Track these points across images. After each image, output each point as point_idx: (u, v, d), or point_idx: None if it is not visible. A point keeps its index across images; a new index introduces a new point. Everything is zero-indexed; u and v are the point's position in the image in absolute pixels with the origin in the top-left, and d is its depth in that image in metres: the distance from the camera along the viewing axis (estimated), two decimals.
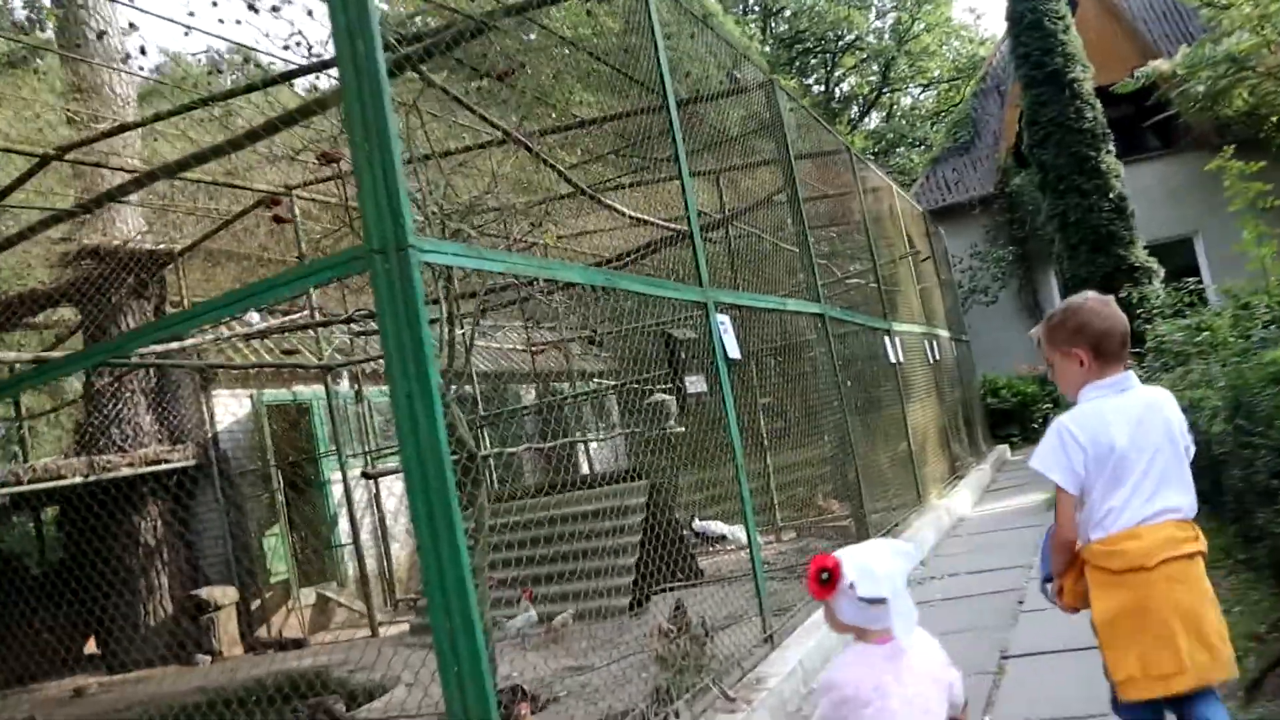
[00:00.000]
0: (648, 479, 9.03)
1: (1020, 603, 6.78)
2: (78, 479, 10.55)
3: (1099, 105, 17.39)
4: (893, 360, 10.71)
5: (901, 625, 2.38)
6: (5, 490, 10.30)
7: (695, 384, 5.39)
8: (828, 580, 2.39)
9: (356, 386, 13.22)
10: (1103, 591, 2.93)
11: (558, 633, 7.63)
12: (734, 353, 5.92)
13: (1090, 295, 3.07)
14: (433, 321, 3.44)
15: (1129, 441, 2.89)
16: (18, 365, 11.17)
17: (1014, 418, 18.79)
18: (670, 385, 10.99)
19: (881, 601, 2.35)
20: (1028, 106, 17.96)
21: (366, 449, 12.63)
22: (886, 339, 10.62)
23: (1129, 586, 2.87)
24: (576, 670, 6.59)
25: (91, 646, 12.12)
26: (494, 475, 13.06)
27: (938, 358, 13.62)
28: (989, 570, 8.03)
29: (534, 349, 13.93)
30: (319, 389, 12.05)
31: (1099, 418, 2.92)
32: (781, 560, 9.08)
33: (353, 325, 11.23)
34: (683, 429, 11.09)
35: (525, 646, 7.59)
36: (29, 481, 10.19)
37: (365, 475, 10.57)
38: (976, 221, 21.77)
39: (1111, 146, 17.34)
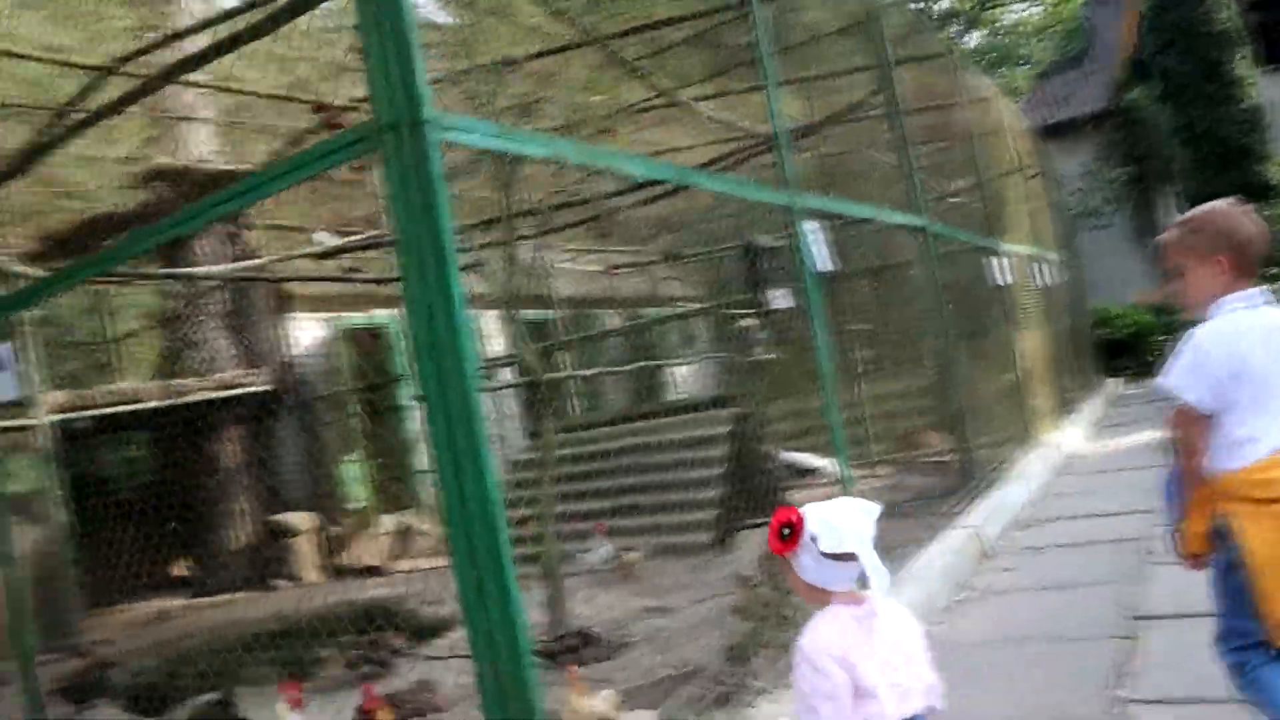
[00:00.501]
0: (734, 406, 8.49)
1: (1149, 553, 6.09)
2: (155, 403, 10.45)
3: (1234, 6, 15.92)
4: (999, 283, 9.91)
5: (873, 580, 2.23)
6: (86, 412, 10.24)
7: (778, 299, 4.79)
8: (789, 534, 2.28)
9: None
10: (1253, 523, 2.73)
11: (628, 569, 7.20)
12: (824, 264, 5.30)
13: (1231, 200, 2.91)
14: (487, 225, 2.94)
15: (1271, 360, 2.73)
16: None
17: (1127, 349, 17.67)
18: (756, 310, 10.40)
19: (847, 558, 2.23)
20: (1150, 9, 16.57)
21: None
22: (993, 260, 9.81)
23: None
24: (653, 612, 6.15)
25: (180, 569, 12.21)
26: (575, 404, 12.68)
27: (1046, 283, 12.70)
28: (1109, 514, 7.32)
29: (615, 269, 13.39)
30: (397, 313, 11.75)
31: (1237, 333, 2.75)
32: (877, 497, 8.44)
33: None
34: (771, 355, 10.52)
35: (602, 583, 7.19)
36: (107, 405, 10.12)
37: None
38: (1088, 140, 20.43)
39: (1247, 52, 15.90)
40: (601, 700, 3.65)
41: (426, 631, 7.03)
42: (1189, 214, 2.94)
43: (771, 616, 4.33)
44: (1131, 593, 5.33)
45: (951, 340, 8.02)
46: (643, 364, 7.77)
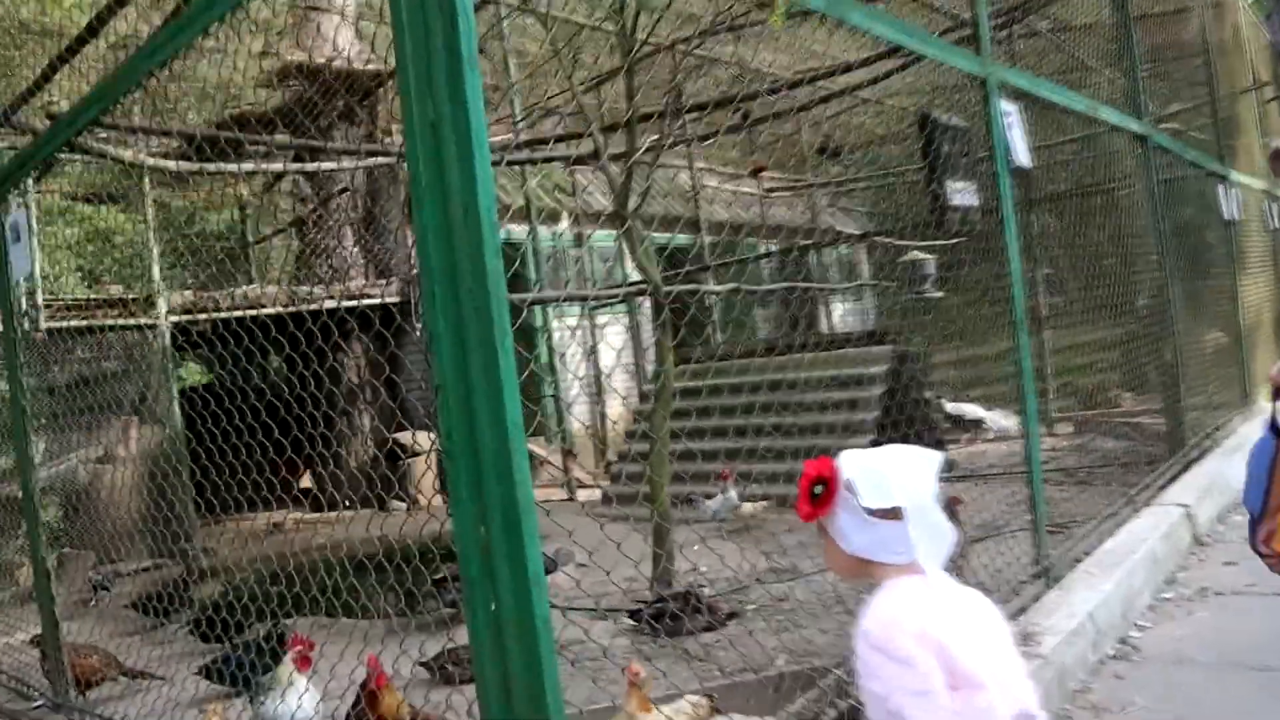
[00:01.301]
0: (894, 344, 7.32)
1: None
2: (277, 309, 10.00)
3: None
4: (1227, 218, 8.32)
5: (926, 549, 1.74)
6: (209, 315, 9.89)
7: (962, 194, 3.65)
8: (823, 492, 1.79)
9: (577, 229, 12.05)
10: None
11: (748, 521, 6.21)
12: (1022, 158, 4.11)
13: None
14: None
15: None
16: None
17: None
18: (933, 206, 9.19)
19: (894, 514, 1.74)
20: None
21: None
22: (1221, 189, 8.22)
23: None
24: (777, 575, 5.15)
25: (306, 482, 11.95)
26: (717, 335, 11.70)
27: (1278, 225, 10.87)
28: None
29: (769, 193, 12.27)
30: (537, 229, 10.99)
31: None
32: (1054, 460, 7.11)
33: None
34: (941, 294, 9.31)
35: (723, 534, 6.22)
36: (230, 310, 9.73)
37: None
38: None
39: None
40: (678, 714, 2.66)
41: (547, 568, 6.24)
42: None
43: None
44: None
45: (1169, 281, 6.62)
46: (789, 285, 6.70)
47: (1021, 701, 1.71)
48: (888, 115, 11.51)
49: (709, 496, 6.45)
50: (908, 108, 10.44)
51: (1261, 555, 2.29)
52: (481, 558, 1.77)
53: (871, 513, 1.75)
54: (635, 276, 11.09)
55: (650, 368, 10.64)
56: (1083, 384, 9.68)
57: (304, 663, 3.05)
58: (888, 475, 1.76)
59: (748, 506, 6.23)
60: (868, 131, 11.19)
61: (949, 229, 3.64)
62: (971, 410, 9.26)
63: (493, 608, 1.76)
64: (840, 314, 13.52)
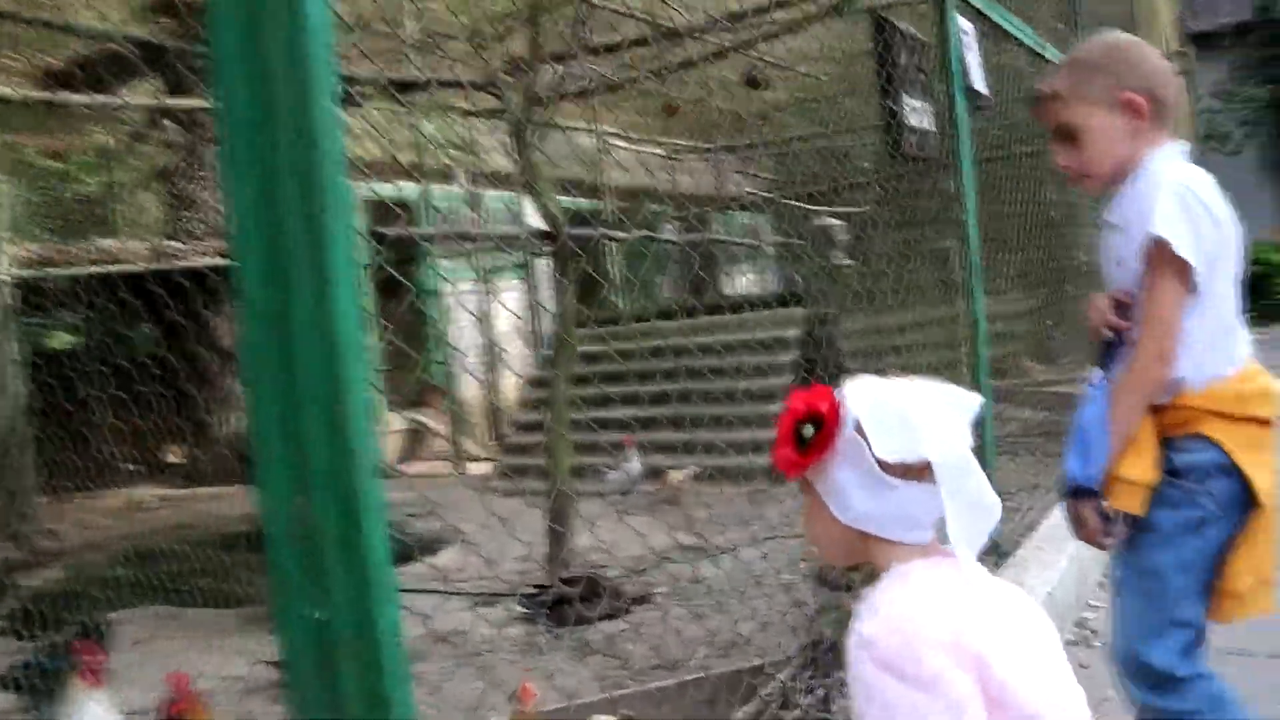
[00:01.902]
0: (808, 307, 6.86)
1: None
2: (142, 265, 9.10)
3: None
4: None
5: (961, 526, 1.17)
6: (61, 270, 8.95)
7: (918, 114, 3.15)
8: (815, 434, 1.20)
9: (471, 188, 11.34)
10: (1260, 455, 1.93)
11: (674, 492, 5.68)
12: (977, 82, 3.62)
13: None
14: None
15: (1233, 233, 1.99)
16: None
17: (1250, 289, 15.66)
18: (836, 210, 8.80)
19: (919, 472, 1.17)
20: None
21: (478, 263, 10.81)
22: None
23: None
24: (692, 552, 4.62)
25: (174, 455, 11.08)
26: (621, 298, 11.17)
27: None
28: None
29: (675, 157, 11.75)
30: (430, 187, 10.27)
31: (1209, 188, 1.98)
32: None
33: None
34: (850, 262, 8.95)
35: (626, 508, 5.66)
36: (86, 264, 8.82)
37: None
38: (1225, 55, 18.16)
39: None
40: None
41: (405, 553, 5.60)
42: (1076, 50, 2.20)
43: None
44: None
45: (1076, 249, 6.37)
46: (697, 237, 6.13)
47: None
48: (808, 82, 11.08)
49: (611, 468, 5.90)
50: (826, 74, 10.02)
51: (1108, 520, 1.96)
52: (298, 542, 1.15)
53: (888, 468, 1.20)
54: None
55: (550, 335, 10.06)
56: (993, 354, 9.41)
57: (91, 677, 2.36)
58: (913, 417, 1.20)
59: (676, 474, 5.70)
60: (794, 80, 10.70)
61: (905, 152, 3.13)
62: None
63: (316, 616, 1.15)
64: (744, 283, 13.13)
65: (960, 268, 3.73)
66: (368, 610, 1.10)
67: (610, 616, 3.74)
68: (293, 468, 1.09)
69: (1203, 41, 18.00)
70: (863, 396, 1.23)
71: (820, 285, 8.29)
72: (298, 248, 1.07)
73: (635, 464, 5.74)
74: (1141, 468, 1.93)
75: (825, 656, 2.30)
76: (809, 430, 1.21)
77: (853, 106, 8.52)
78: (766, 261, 12.67)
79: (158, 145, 11.21)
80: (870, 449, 1.19)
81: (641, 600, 3.85)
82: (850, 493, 1.22)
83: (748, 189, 12.09)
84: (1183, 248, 1.88)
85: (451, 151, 11.42)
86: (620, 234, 4.48)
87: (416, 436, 10.46)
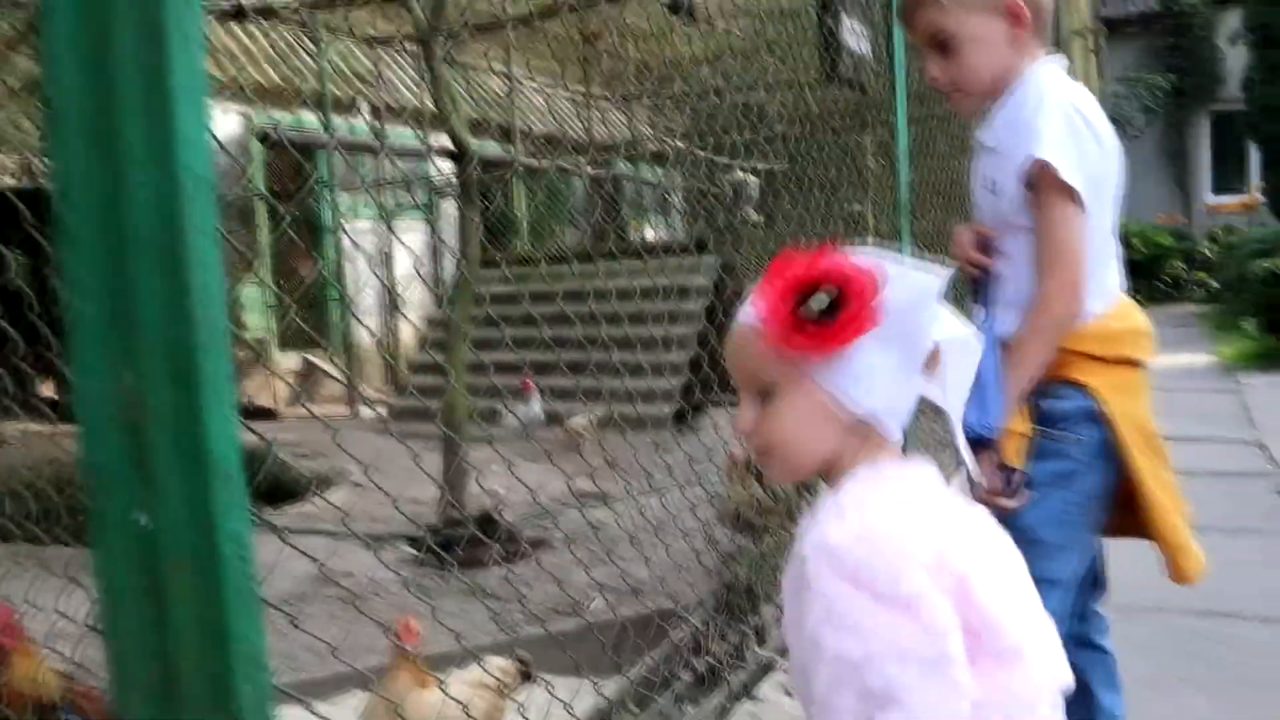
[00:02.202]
0: (718, 254, 6.72)
1: None
2: (9, 181, 8.52)
3: None
4: None
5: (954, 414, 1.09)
6: None
7: (857, 38, 2.99)
8: (835, 307, 0.99)
9: (378, 123, 10.88)
10: (1131, 400, 1.77)
11: (574, 438, 5.50)
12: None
13: None
14: None
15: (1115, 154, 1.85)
16: None
17: (1140, 272, 16.09)
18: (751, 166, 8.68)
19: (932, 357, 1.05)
20: None
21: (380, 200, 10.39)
22: None
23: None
24: (592, 498, 4.45)
25: (47, 390, 10.45)
26: (526, 240, 10.91)
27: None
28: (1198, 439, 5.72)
29: (591, 99, 11.47)
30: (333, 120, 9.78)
31: (1092, 106, 1.82)
32: None
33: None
34: (760, 217, 8.86)
35: (524, 453, 5.46)
36: None
37: None
38: (1132, 43, 18.53)
39: None
40: (474, 688, 1.87)
41: (284, 491, 5.31)
42: None
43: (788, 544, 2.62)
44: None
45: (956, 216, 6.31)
46: (609, 174, 5.91)
47: (1061, 676, 1.05)
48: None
49: (510, 411, 5.69)
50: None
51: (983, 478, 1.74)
52: (122, 431, 0.91)
53: (910, 342, 1.03)
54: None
55: (452, 276, 9.75)
56: None
57: None
58: (929, 294, 1.03)
59: (577, 419, 5.52)
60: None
61: (841, 75, 2.96)
62: None
63: (141, 522, 0.92)
64: (652, 232, 12.96)
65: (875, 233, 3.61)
66: (207, 517, 0.88)
67: (506, 560, 3.56)
68: (119, 338, 0.86)
69: (1113, 28, 18.35)
70: (895, 267, 1.03)
71: (730, 236, 8.18)
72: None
73: (535, 408, 5.54)
74: (1016, 416, 1.76)
75: (739, 601, 2.16)
76: (824, 301, 1.00)
77: (771, 63, 8.37)
78: (676, 212, 12.52)
79: (32, 54, 10.49)
80: (897, 318, 1.00)
81: (539, 544, 3.67)
82: (878, 379, 1.03)
83: (661, 137, 11.90)
84: (1068, 172, 1.71)
85: (358, 83, 10.95)
86: (530, 160, 4.23)
87: (309, 377, 10.06)
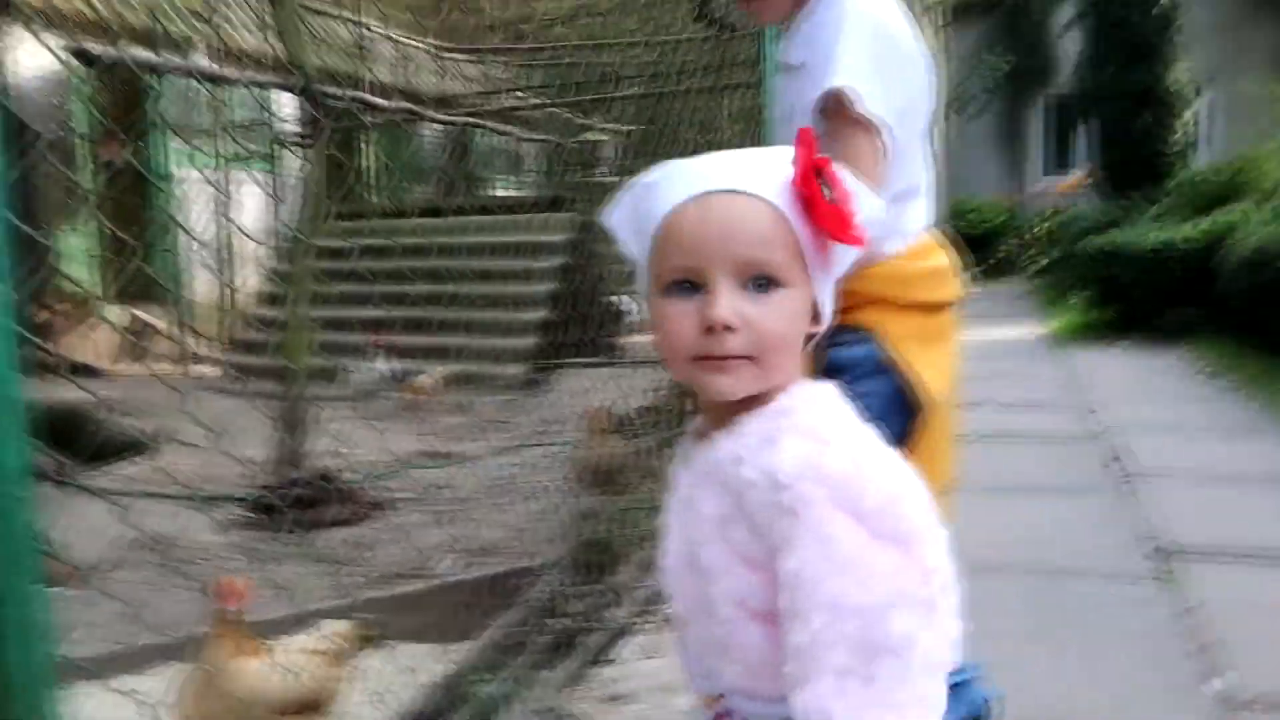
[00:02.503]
0: (577, 213, 6.60)
1: (1116, 459, 4.68)
2: None
3: None
4: None
5: None
6: None
7: None
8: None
9: (214, 66, 10.25)
10: (928, 349, 1.63)
11: (421, 397, 5.31)
12: None
13: None
14: None
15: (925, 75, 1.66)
16: None
17: (975, 247, 16.74)
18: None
19: None
20: None
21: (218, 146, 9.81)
22: None
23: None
24: (439, 458, 4.30)
25: None
26: (375, 193, 10.53)
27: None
28: (1033, 405, 5.93)
29: (445, 54, 11.12)
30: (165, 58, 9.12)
31: (900, 20, 1.62)
32: None
33: None
34: (616, 178, 8.76)
35: (369, 412, 5.25)
36: None
37: None
38: (973, 26, 19.16)
39: None
40: (305, 654, 1.71)
41: (108, 451, 4.95)
42: None
43: (656, 484, 2.52)
44: (1140, 520, 3.86)
45: None
46: (471, 121, 5.67)
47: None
48: None
49: (354, 369, 5.45)
50: None
51: None
52: None
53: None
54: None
55: (294, 227, 9.30)
56: None
57: None
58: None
59: (424, 377, 5.32)
60: None
61: (709, 14, 2.87)
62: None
63: None
64: (506, 188, 12.72)
65: None
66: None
67: (346, 522, 3.38)
68: None
69: (957, 11, 18.94)
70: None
71: (586, 195, 8.06)
72: None
73: (381, 366, 5.33)
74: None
75: (597, 560, 2.07)
76: (828, 193, 0.91)
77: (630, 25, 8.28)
78: (530, 170, 12.31)
79: None
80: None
81: (382, 506, 3.51)
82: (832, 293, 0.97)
83: (517, 94, 11.67)
84: (870, 103, 1.51)
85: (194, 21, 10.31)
86: (380, 101, 4.01)
87: (138, 334, 9.47)
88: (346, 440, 4.15)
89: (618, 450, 2.66)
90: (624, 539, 2.27)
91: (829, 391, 0.96)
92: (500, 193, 12.39)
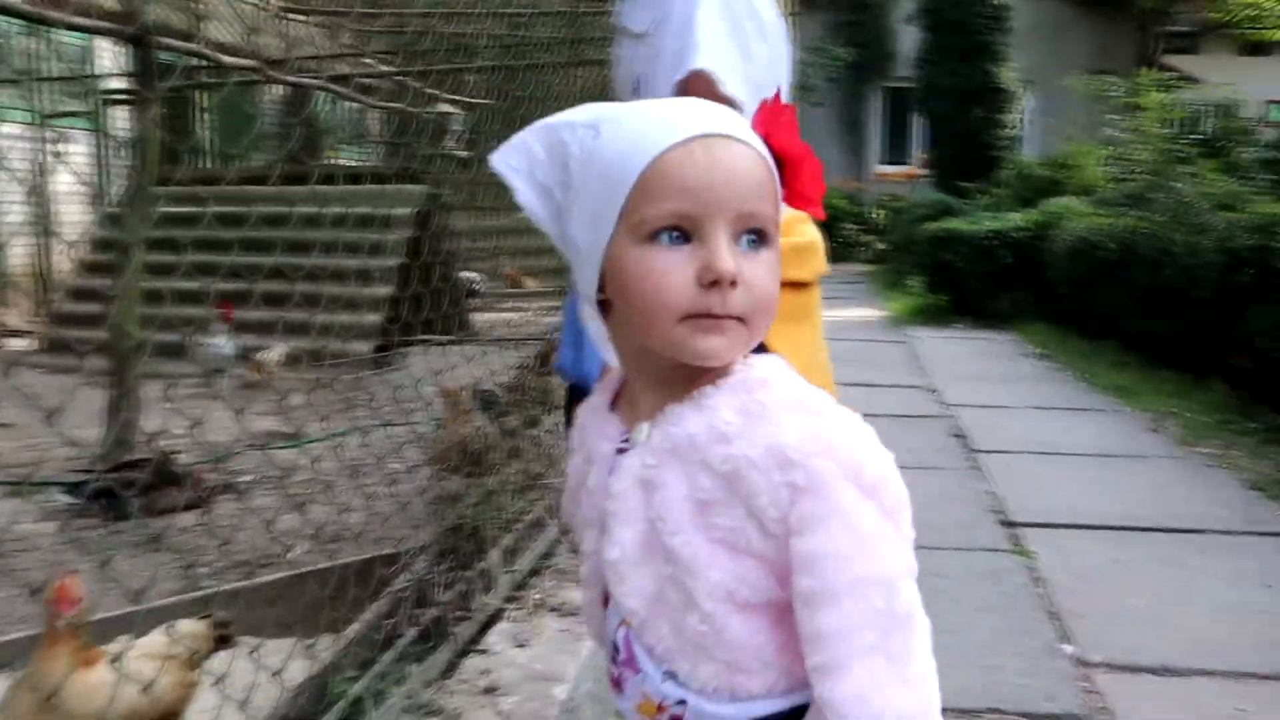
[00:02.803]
0: (426, 186, 6.41)
1: (960, 436, 4.85)
2: None
3: None
4: None
5: None
6: None
7: None
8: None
9: (32, 8, 9.48)
10: (785, 327, 1.22)
11: (265, 373, 5.07)
12: None
13: None
14: None
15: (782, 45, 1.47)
16: None
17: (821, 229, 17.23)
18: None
19: None
20: None
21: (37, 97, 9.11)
22: None
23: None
24: (285, 439, 4.09)
25: None
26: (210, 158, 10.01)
27: None
28: (876, 385, 6.09)
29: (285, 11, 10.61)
30: None
31: None
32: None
33: None
34: (467, 153, 8.59)
35: (209, 390, 4.97)
36: None
37: None
38: (818, 16, 19.59)
39: None
40: (151, 658, 1.55)
41: None
42: None
43: (522, 465, 2.43)
44: (984, 494, 4.00)
45: None
46: (311, 81, 5.36)
47: None
48: None
49: (197, 344, 5.15)
50: None
51: None
52: None
53: None
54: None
55: (123, 192, 8.73)
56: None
57: None
58: None
59: (265, 353, 5.06)
60: None
61: None
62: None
63: None
64: (351, 158, 12.30)
65: None
66: None
67: (187, 508, 3.17)
68: None
69: (803, 1, 19.31)
70: None
71: (435, 170, 7.85)
72: None
73: (223, 341, 5.05)
74: None
75: (465, 545, 1.98)
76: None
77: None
78: (377, 140, 11.93)
79: None
80: None
81: (226, 490, 3.31)
82: None
83: (365, 61, 11.28)
84: (730, 84, 1.40)
85: None
86: (225, 58, 3.75)
87: None
88: (188, 419, 3.90)
89: (481, 430, 2.56)
90: (491, 521, 2.18)
91: (781, 362, 0.90)
92: (345, 162, 11.97)
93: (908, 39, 16.96)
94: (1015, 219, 10.27)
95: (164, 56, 3.97)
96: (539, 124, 0.89)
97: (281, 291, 5.53)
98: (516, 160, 0.89)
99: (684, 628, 0.84)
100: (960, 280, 9.83)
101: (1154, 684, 2.62)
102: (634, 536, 0.87)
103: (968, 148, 14.60)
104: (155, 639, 1.61)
